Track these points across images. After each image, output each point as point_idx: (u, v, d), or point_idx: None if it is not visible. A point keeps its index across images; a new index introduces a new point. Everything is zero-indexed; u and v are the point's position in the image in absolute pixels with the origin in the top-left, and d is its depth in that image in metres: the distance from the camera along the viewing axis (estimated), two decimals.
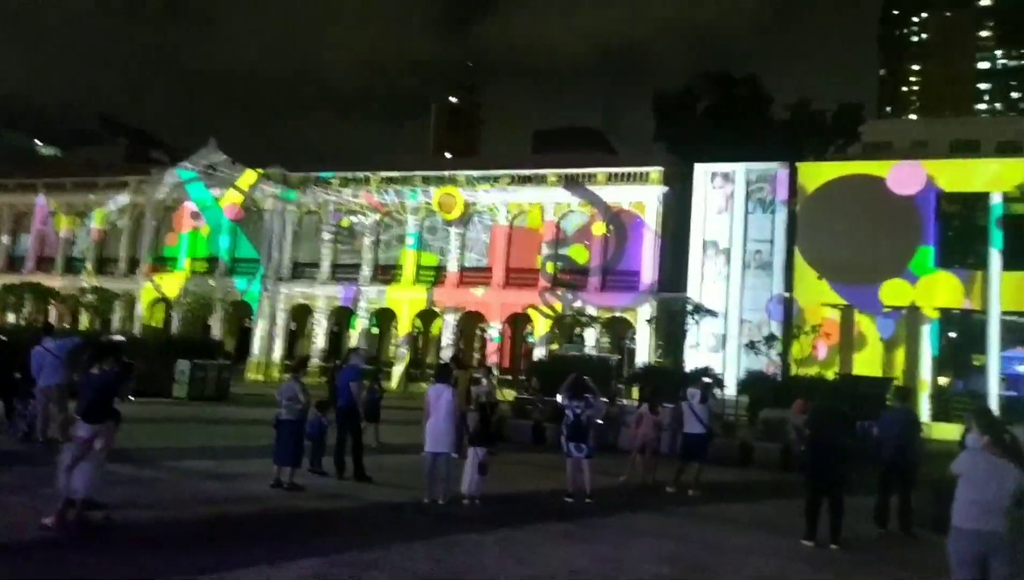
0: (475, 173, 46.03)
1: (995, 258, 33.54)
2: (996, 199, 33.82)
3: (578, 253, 43.28)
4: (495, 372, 21.55)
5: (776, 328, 34.90)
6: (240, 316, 50.71)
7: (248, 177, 48.22)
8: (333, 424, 12.78)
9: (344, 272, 48.25)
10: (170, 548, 7.85)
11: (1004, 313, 33.58)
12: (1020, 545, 5.80)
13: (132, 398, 23.55)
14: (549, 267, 43.34)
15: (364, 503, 10.82)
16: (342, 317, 49.13)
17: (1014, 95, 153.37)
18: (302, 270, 49.35)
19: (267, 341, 48.09)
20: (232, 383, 30.83)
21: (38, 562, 7.03)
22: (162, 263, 50.82)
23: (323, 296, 47.99)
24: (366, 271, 47.24)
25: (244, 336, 50.53)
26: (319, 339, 47.78)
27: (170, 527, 8.67)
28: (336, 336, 49.18)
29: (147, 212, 51.46)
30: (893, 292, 34.34)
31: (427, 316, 47.58)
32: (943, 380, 35.96)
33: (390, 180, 47.36)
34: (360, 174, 48.10)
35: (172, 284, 48.80)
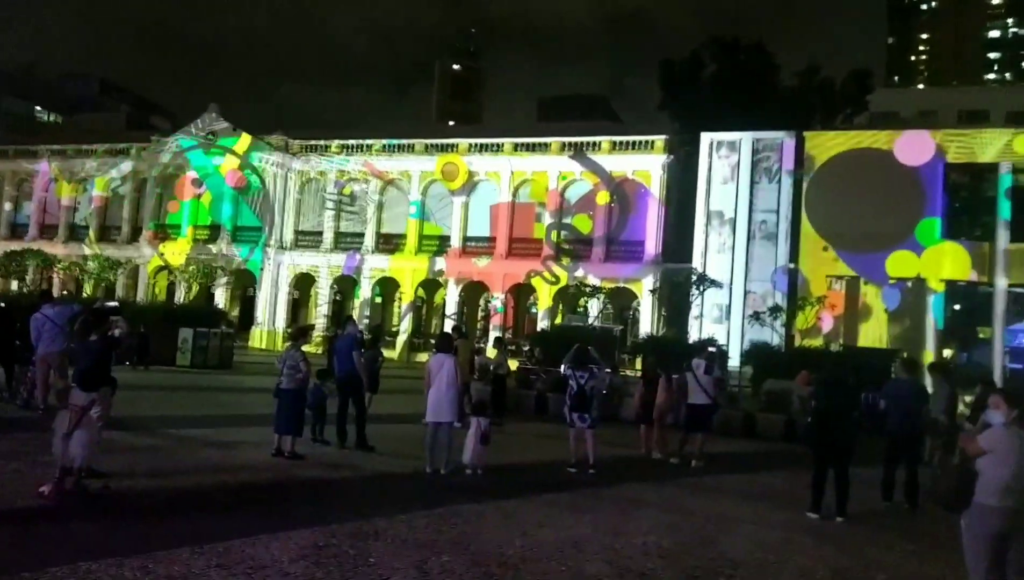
0: (478, 141, 45.63)
1: (1002, 230, 33.23)
2: (1005, 170, 33.43)
3: (582, 223, 43.01)
4: (507, 345, 21.38)
5: (781, 299, 34.73)
6: (244, 285, 50.65)
7: (244, 142, 47.80)
8: (334, 393, 12.69)
9: (347, 241, 48.07)
10: (169, 517, 7.78)
11: (1011, 286, 33.37)
12: None
13: (144, 368, 23.83)
14: (553, 236, 43.11)
15: (366, 473, 10.75)
16: (345, 286, 49.06)
17: None
18: (305, 238, 49.18)
19: (270, 310, 48.05)
20: (236, 352, 30.92)
21: (34, 531, 6.95)
22: (164, 231, 50.62)
23: (326, 265, 47.87)
24: (368, 240, 47.09)
25: (247, 305, 50.53)
26: (322, 308, 47.76)
27: (169, 496, 8.60)
28: (339, 305, 49.17)
29: (149, 179, 51.12)
30: (899, 264, 34.05)
31: (430, 286, 47.50)
32: (948, 352, 35.76)
33: (393, 147, 46.98)
34: (362, 142, 47.70)
35: (175, 252, 48.62)
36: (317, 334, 38.79)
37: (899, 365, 13.45)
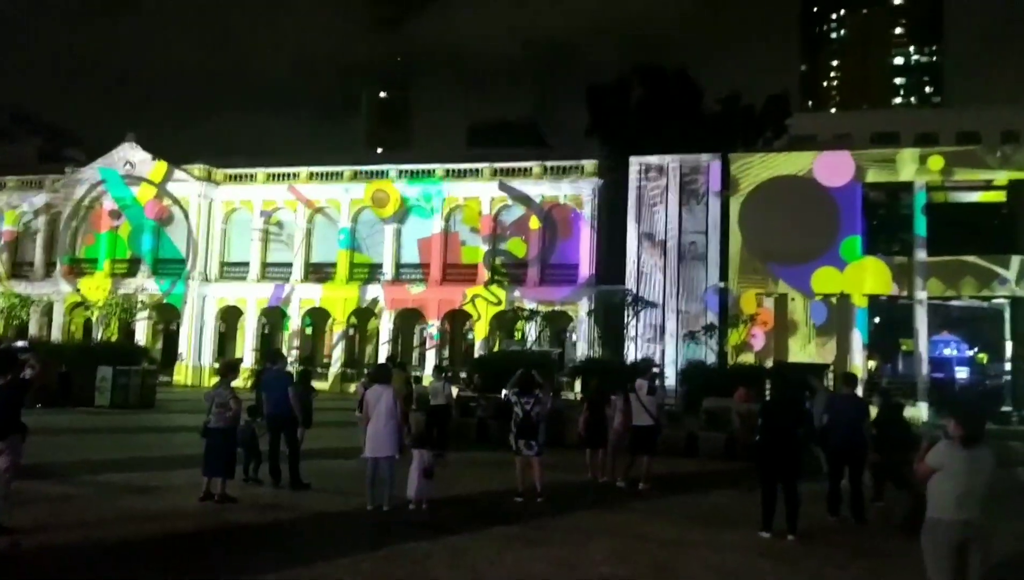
0: (408, 167, 45.24)
1: (920, 245, 34.59)
2: (919, 188, 34.87)
3: (516, 247, 42.95)
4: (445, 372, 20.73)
5: (713, 318, 35.25)
6: (166, 319, 48.75)
7: (160, 170, 46.24)
8: (264, 431, 12.06)
9: (274, 271, 46.86)
10: (85, 576, 7.11)
11: (930, 298, 34.69)
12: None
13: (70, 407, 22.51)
14: (494, 260, 42.85)
15: (303, 513, 10.16)
16: (274, 317, 47.74)
17: (927, 89, 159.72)
18: (231, 270, 47.72)
19: (195, 345, 46.32)
20: (159, 389, 29.55)
21: None
22: (80, 265, 48.39)
23: (252, 296, 46.50)
24: (297, 270, 45.97)
25: (171, 340, 48.60)
26: (250, 341, 46.28)
27: (85, 551, 7.88)
28: (268, 337, 47.76)
29: (63, 212, 48.86)
30: (824, 280, 35.09)
31: (363, 315, 46.60)
32: (872, 364, 36.93)
33: (321, 175, 46.19)
34: (288, 170, 46.73)
35: (93, 287, 46.44)
36: (245, 368, 37.50)
37: (839, 380, 13.60)
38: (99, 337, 43.59)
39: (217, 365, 39.76)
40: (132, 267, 47.14)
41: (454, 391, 20.27)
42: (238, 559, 7.82)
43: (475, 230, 43.60)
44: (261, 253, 46.97)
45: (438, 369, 18.51)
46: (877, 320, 37.43)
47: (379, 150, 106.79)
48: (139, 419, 22.68)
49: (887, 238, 37.39)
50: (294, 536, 9.13)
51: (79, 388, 25.61)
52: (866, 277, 35.08)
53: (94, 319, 46.06)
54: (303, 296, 45.53)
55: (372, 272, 45.02)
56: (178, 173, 46.65)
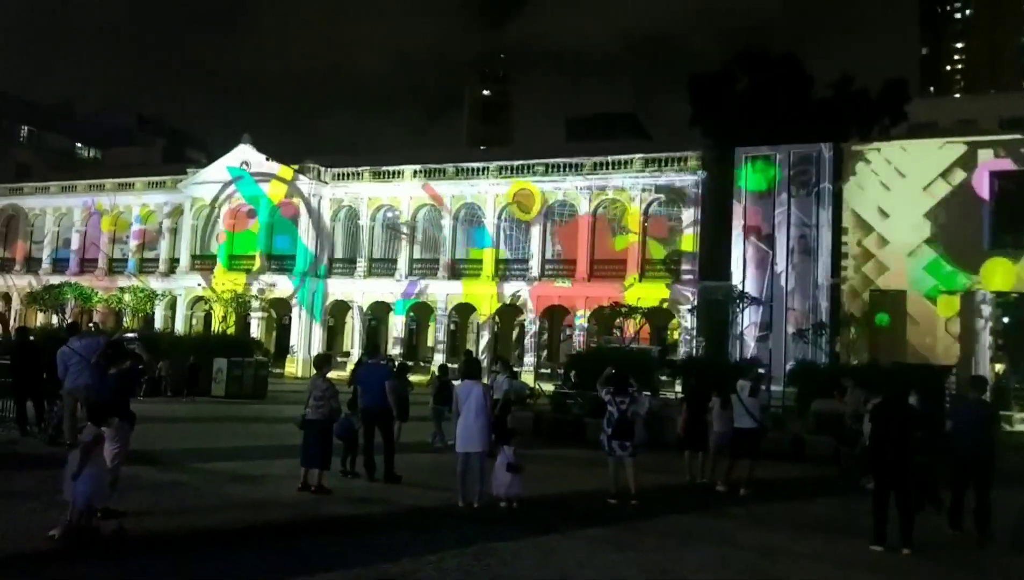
0: (510, 163, 45.24)
1: None
2: None
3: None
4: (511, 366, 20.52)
5: (824, 316, 33.67)
6: (280, 313, 50.74)
7: (287, 171, 48.06)
8: (360, 424, 12.23)
9: (382, 267, 47.94)
10: (183, 560, 7.34)
11: None
12: None
13: (192, 399, 23.88)
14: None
15: (394, 507, 10.21)
16: (380, 313, 48.87)
17: None
18: (340, 266, 49.17)
19: (306, 338, 47.99)
20: (270, 381, 30.76)
21: (40, 575, 6.55)
22: (204, 261, 50.92)
23: (360, 291, 47.75)
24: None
25: (284, 333, 50.53)
26: (357, 335, 47.56)
27: (186, 536, 8.15)
28: (375, 332, 48.96)
29: (186, 210, 51.63)
30: (949, 275, 32.91)
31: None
32: (999, 367, 34.35)
33: (425, 172, 46.81)
34: (393, 168, 47.67)
35: (219, 282, 48.73)
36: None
37: (967, 383, 12.62)
38: (217, 330, 45.77)
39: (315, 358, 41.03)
40: (252, 262, 49.10)
41: (541, 386, 20.10)
42: (327, 551, 7.90)
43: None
44: (368, 249, 48.12)
45: (504, 363, 18.29)
46: (1006, 320, 34.76)
47: (482, 147, 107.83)
48: (251, 409, 23.61)
49: (1016, 230, 34.61)
50: (383, 530, 9.17)
51: (195, 379, 27.04)
52: (995, 273, 32.62)
53: (214, 314, 48.45)
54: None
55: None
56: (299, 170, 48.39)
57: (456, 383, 11.24)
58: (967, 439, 10.07)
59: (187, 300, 50.67)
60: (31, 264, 57.36)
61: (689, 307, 38.56)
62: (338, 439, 11.64)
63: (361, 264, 48.02)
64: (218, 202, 50.32)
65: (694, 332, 38.53)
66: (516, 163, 44.99)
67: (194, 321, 51.02)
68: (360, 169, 48.61)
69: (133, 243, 54.26)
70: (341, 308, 49.49)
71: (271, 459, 13.42)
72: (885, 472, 9.23)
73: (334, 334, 51.18)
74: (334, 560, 7.38)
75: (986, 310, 33.06)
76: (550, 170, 43.80)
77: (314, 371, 12.02)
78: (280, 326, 51.37)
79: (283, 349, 48.53)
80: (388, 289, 46.96)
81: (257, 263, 48.43)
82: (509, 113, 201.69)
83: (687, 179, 40.92)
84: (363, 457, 12.06)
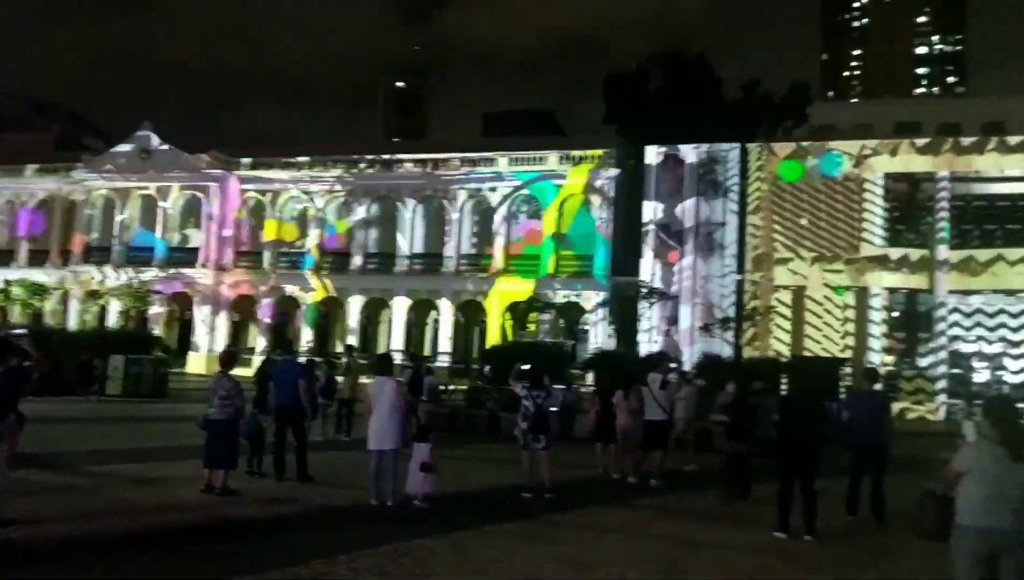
0: (423, 156, 44.94)
1: (942, 237, 33.91)
2: (943, 179, 34.17)
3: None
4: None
5: (729, 310, 34.78)
6: (182, 308, 48.83)
7: (191, 161, 46.18)
8: (269, 423, 11.85)
9: (292, 261, 46.81)
10: (76, 570, 6.90)
11: (951, 292, 34.02)
12: None
13: (94, 398, 22.59)
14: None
15: (305, 507, 9.92)
16: (289, 307, 47.70)
17: (950, 79, 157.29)
18: (246, 259, 47.70)
19: (210, 334, 46.36)
20: (171, 378, 29.52)
21: None
22: (98, 253, 48.45)
23: (268, 286, 46.46)
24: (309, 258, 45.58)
25: (187, 329, 48.70)
26: (264, 331, 46.28)
27: (81, 544, 7.68)
28: (283, 327, 47.74)
29: (78, 200, 49.00)
30: (843, 273, 34.56)
31: (376, 306, 46.44)
32: (889, 359, 36.29)
33: (338, 164, 45.91)
34: (304, 158, 46.57)
35: (112, 275, 46.43)
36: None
37: (861, 375, 13.22)
38: (113, 325, 43.68)
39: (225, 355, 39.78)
40: (148, 255, 47.03)
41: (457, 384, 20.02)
42: (234, 554, 7.59)
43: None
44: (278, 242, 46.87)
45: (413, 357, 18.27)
46: (896, 314, 36.77)
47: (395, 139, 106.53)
48: (150, 408, 22.64)
49: (908, 230, 36.69)
50: (294, 531, 8.89)
51: (91, 378, 25.67)
52: (886, 270, 34.46)
53: (109, 309, 46.16)
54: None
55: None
56: (197, 160, 46.57)
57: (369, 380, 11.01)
58: (862, 429, 10.55)
59: (81, 294, 48.12)
60: None
61: (601, 302, 39.18)
62: (244, 439, 11.24)
63: (269, 257, 46.70)
64: (118, 191, 48.00)
65: (606, 326, 39.19)
66: (431, 156, 44.68)
67: (87, 317, 48.53)
68: (272, 160, 47.25)
69: (21, 232, 51.11)
70: (247, 303, 48.02)
71: (172, 460, 12.86)
72: (792, 463, 9.54)
73: (240, 330, 49.63)
74: (242, 563, 7.09)
75: (879, 305, 34.86)
76: (465, 164, 43.65)
77: (218, 369, 11.55)
78: (183, 322, 49.47)
79: (186, 345, 46.74)
80: (298, 284, 45.84)
81: (154, 256, 46.51)
82: (425, 107, 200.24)
83: (600, 176, 41.51)
84: (272, 456, 11.68)
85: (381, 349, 44.85)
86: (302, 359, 15.92)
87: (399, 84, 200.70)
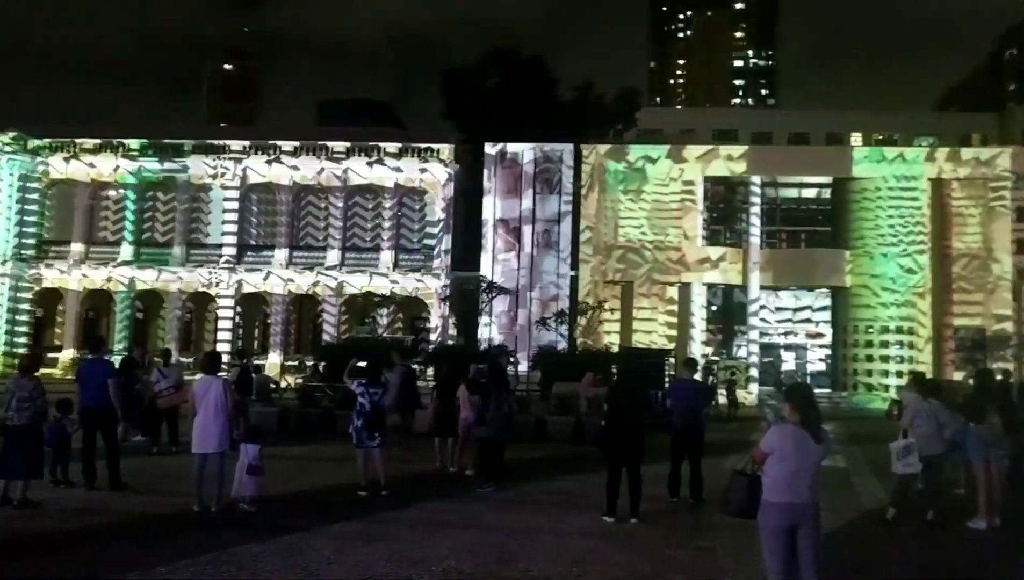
0: (253, 142, 42.88)
1: (755, 237, 36.79)
2: (755, 183, 37.03)
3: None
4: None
5: (564, 305, 35.88)
6: None
7: None
8: (76, 427, 10.89)
9: (104, 252, 43.25)
10: None
11: (761, 288, 37.00)
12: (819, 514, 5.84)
13: None
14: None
15: (119, 518, 9.20)
16: (100, 302, 44.11)
17: (763, 91, 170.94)
18: (53, 250, 43.55)
19: (8, 331, 41.98)
20: None
21: None
22: None
23: (76, 278, 42.68)
24: (127, 250, 42.37)
25: None
26: (72, 328, 42.47)
27: None
28: (93, 323, 44.07)
29: None
30: (668, 269, 36.66)
31: (200, 299, 43.93)
32: (709, 350, 38.90)
33: (158, 147, 42.85)
34: (121, 141, 43.08)
35: None
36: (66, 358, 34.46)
37: (681, 364, 14.03)
38: None
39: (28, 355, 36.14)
40: None
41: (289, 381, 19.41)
42: (36, 572, 6.90)
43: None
44: (87, 231, 43.21)
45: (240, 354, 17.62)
46: (715, 308, 39.50)
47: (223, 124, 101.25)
48: None
49: (726, 230, 39.50)
50: (106, 543, 8.21)
51: None
52: (706, 266, 36.95)
53: None
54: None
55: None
56: None
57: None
58: (682, 415, 11.23)
59: None
60: None
61: (442, 296, 39.23)
62: (47, 446, 10.26)
63: (78, 248, 42.89)
64: None
65: (447, 321, 39.30)
66: (260, 143, 42.73)
67: None
68: (81, 141, 43.34)
69: None
70: (53, 297, 43.90)
71: None
72: (618, 450, 9.98)
73: (43, 327, 45.31)
74: None
75: (700, 299, 37.29)
76: (298, 152, 42.15)
77: (16, 370, 10.46)
78: None
79: None
80: (112, 276, 42.40)
81: None
82: (256, 92, 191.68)
83: (440, 170, 41.48)
84: (82, 463, 10.74)
85: (208, 346, 42.53)
86: (115, 358, 14.76)
87: (226, 66, 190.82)
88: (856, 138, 55.82)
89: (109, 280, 42.28)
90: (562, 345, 32.02)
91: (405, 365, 15.90)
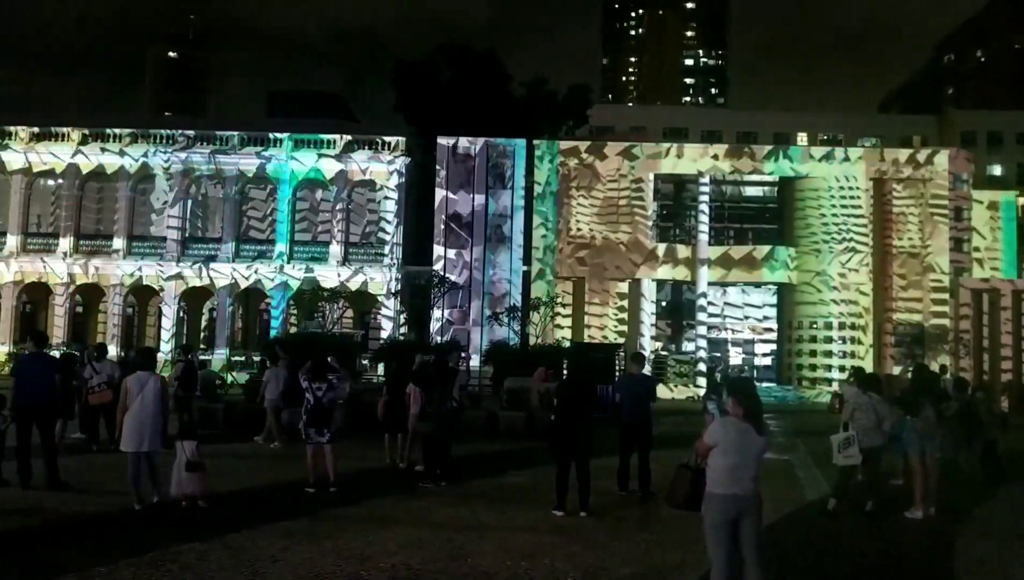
0: (200, 132, 41.91)
1: (703, 234, 37.35)
2: (704, 181, 37.57)
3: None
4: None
5: (516, 300, 35.94)
6: None
7: None
8: (7, 423, 10.53)
9: (41, 243, 41.88)
10: None
11: (709, 284, 37.59)
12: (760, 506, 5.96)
13: None
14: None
15: (56, 517, 8.92)
16: (39, 295, 42.70)
17: (713, 90, 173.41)
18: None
19: None
20: None
21: None
22: None
23: (11, 271, 41.25)
24: (66, 243, 41.07)
25: None
26: (7, 323, 41.02)
27: None
28: (30, 318, 42.63)
29: None
30: (619, 265, 36.99)
31: (141, 293, 42.80)
32: (658, 345, 39.39)
33: (98, 136, 41.60)
34: (57, 130, 41.71)
35: None
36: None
37: (629, 359, 14.15)
38: None
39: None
40: None
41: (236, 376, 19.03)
42: None
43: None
44: (22, 221, 41.76)
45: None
46: (664, 304, 39.99)
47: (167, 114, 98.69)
48: None
49: (675, 226, 40.03)
50: (42, 544, 7.95)
51: None
52: (656, 262, 37.40)
53: None
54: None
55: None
56: None
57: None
58: (630, 409, 11.34)
59: None
60: None
61: (392, 291, 38.94)
62: None
63: (11, 239, 41.40)
64: None
65: (397, 316, 39.02)
66: (206, 133, 41.77)
67: None
68: (15, 129, 41.82)
69: None
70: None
71: None
72: (567, 444, 10.03)
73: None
74: None
75: (649, 295, 37.72)
76: (246, 143, 41.35)
77: None
78: None
79: None
80: (49, 268, 41.07)
81: None
82: (203, 81, 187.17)
83: (391, 163, 41.13)
84: (16, 462, 10.38)
85: (150, 342, 41.56)
86: (56, 353, 14.31)
87: (171, 54, 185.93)
88: (802, 138, 57.09)
89: (46, 273, 40.96)
90: (514, 340, 32.08)
91: (289, 359, 15.78)
